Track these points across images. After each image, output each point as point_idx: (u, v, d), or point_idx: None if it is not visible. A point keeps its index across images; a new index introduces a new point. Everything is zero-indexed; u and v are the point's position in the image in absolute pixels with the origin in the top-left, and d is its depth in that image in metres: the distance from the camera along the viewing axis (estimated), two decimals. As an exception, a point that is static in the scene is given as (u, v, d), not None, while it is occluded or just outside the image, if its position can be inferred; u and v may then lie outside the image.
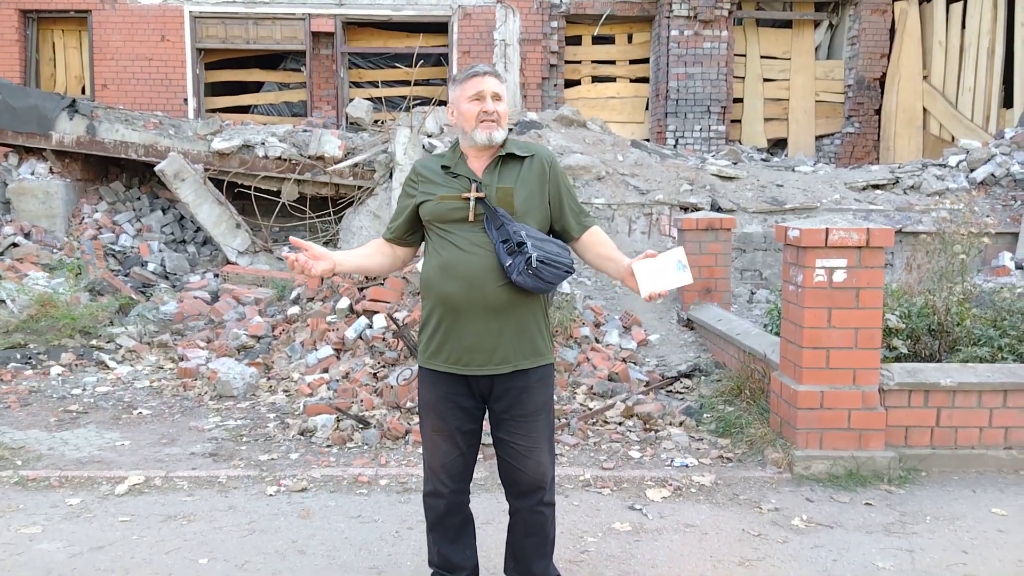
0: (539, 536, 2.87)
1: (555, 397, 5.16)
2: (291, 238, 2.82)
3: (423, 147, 9.21)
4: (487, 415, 2.84)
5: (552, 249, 2.66)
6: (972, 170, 9.66)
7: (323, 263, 2.77)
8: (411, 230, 2.88)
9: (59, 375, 6.22)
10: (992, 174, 9.48)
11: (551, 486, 2.86)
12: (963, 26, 12.38)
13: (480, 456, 4.38)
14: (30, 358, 6.43)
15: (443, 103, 12.21)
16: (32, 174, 9.66)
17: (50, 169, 9.72)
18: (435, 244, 2.76)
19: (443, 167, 2.78)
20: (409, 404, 5.01)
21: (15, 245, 8.34)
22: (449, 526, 2.88)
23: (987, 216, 8.12)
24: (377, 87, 12.79)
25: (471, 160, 2.77)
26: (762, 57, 12.96)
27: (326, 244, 9.77)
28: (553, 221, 2.82)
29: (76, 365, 6.44)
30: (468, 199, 2.69)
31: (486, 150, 2.75)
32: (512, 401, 2.73)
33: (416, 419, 4.90)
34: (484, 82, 2.71)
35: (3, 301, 7.07)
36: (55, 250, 8.61)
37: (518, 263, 2.61)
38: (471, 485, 2.93)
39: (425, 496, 2.90)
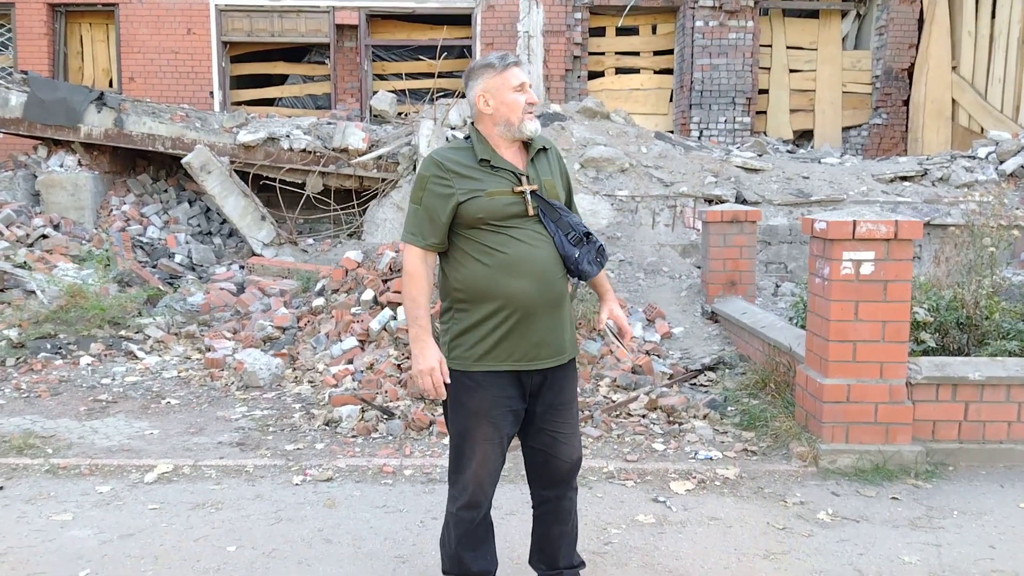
0: (568, 524, 2.90)
1: (579, 389, 5.20)
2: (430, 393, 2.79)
3: (447, 139, 9.22)
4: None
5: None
6: (1002, 162, 9.53)
7: (444, 367, 2.74)
8: (448, 233, 2.70)
9: (89, 365, 6.30)
10: (1022, 166, 9.35)
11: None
12: (993, 16, 12.20)
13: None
14: (60, 348, 6.52)
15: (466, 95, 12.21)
16: (61, 166, 9.78)
17: (79, 161, 9.84)
18: (487, 242, 2.62)
19: (481, 160, 2.66)
20: (432, 396, 5.01)
21: (45, 237, 8.44)
22: (476, 536, 2.80)
23: (1017, 208, 8.00)
24: (401, 79, 12.82)
25: (504, 152, 2.71)
26: (788, 47, 12.84)
27: (350, 236, 9.82)
28: None
29: (105, 355, 6.52)
30: (522, 192, 2.66)
31: (515, 142, 2.73)
32: (557, 391, 2.77)
33: (440, 411, 4.92)
34: (523, 72, 2.72)
35: (33, 292, 7.17)
36: (84, 242, 8.71)
37: (588, 253, 2.71)
38: None
39: (461, 509, 2.74)
